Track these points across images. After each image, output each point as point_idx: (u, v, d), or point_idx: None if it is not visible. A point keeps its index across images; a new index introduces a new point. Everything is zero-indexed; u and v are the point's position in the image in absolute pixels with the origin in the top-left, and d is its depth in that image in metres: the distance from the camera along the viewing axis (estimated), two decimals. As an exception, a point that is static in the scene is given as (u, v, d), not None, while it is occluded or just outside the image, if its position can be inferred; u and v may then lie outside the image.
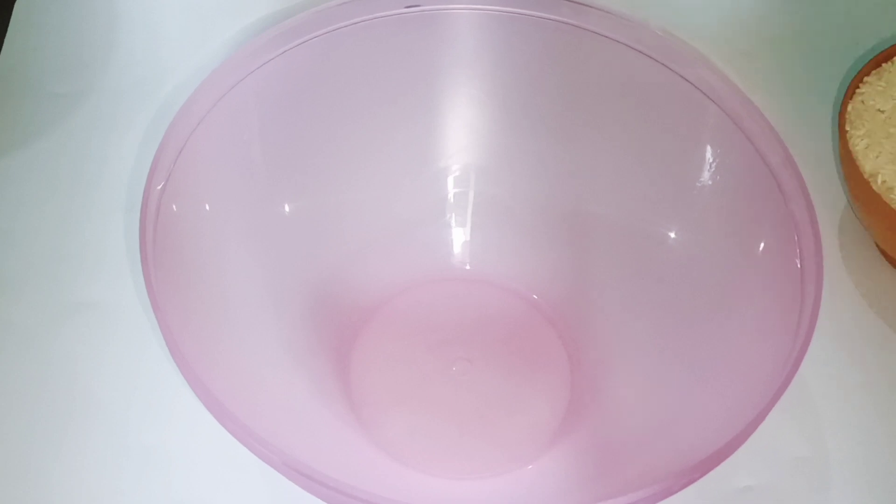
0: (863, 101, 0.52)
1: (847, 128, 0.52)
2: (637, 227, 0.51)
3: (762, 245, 0.46)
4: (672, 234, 0.50)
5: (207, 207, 0.48)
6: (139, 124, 0.56)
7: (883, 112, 0.51)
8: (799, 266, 0.44)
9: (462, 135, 0.54)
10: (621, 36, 0.49)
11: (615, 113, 0.51)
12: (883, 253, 0.53)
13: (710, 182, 0.49)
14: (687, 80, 0.48)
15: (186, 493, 0.46)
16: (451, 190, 0.54)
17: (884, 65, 0.54)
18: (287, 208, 0.51)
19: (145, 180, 0.44)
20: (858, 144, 0.51)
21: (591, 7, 0.50)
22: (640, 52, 0.49)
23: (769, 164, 0.46)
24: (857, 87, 0.53)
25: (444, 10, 0.51)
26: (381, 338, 0.51)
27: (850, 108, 0.52)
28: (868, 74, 0.53)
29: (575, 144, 0.52)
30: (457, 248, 0.54)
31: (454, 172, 0.54)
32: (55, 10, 0.60)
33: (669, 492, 0.39)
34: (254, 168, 0.50)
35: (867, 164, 0.50)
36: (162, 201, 0.44)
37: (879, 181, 0.50)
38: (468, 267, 0.54)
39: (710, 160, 0.49)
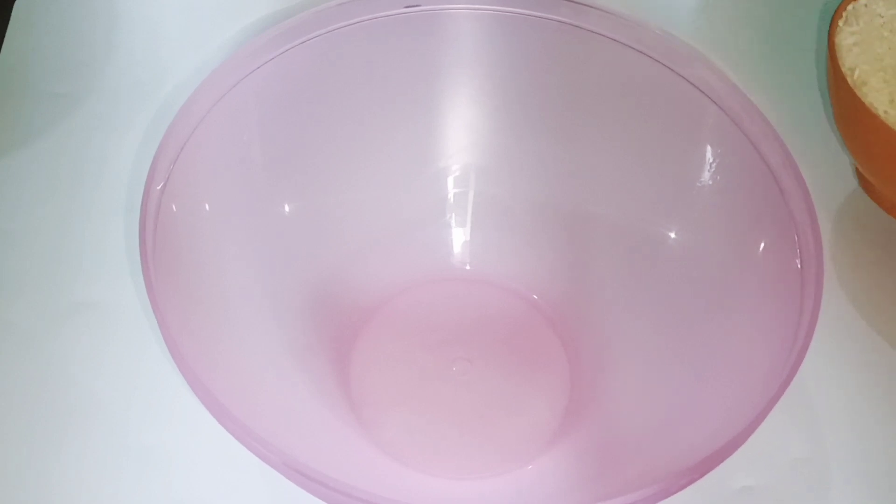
0: (866, 5, 0.52)
1: (840, 23, 0.51)
2: (637, 227, 0.51)
3: (762, 245, 0.46)
4: (672, 234, 0.50)
5: (207, 207, 0.48)
6: (139, 124, 0.56)
7: (882, 17, 0.51)
8: (799, 266, 0.44)
9: (462, 135, 0.54)
10: (621, 36, 0.49)
11: (615, 113, 0.51)
12: (861, 177, 0.53)
13: (710, 182, 0.49)
14: (687, 80, 0.48)
15: (186, 493, 0.46)
16: (451, 190, 0.54)
17: None
18: (287, 208, 0.51)
19: (145, 180, 0.44)
20: (847, 39, 0.51)
21: (591, 7, 0.50)
22: (640, 52, 0.49)
23: (769, 164, 0.46)
24: None
25: (444, 10, 0.51)
26: (381, 338, 0.51)
27: (850, 7, 0.52)
28: None
29: (575, 144, 0.52)
30: (457, 248, 0.54)
31: (454, 172, 0.54)
32: (55, 9, 0.60)
33: (669, 492, 0.39)
34: (254, 168, 0.50)
35: (848, 59, 0.50)
36: (162, 201, 0.44)
37: (856, 75, 0.50)
38: (468, 267, 0.54)
39: (710, 160, 0.49)
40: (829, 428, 0.49)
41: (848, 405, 0.49)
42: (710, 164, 0.49)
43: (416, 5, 0.50)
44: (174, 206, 0.45)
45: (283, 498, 0.46)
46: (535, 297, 0.53)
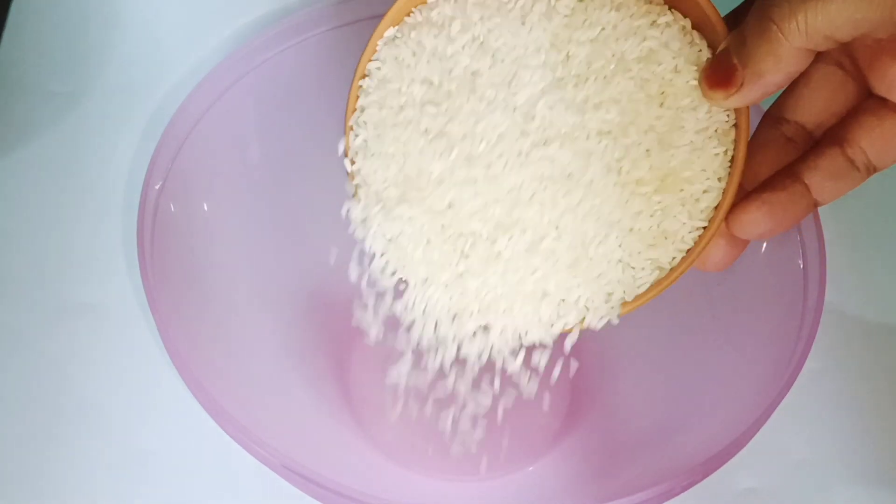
0: None
1: None
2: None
3: (764, 245, 0.46)
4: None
5: (206, 207, 0.47)
6: (137, 123, 0.56)
7: None
8: (801, 266, 0.44)
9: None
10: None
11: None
12: None
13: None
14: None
15: (185, 495, 0.46)
16: (451, 189, 0.54)
17: None
18: (286, 208, 0.51)
19: (143, 180, 0.44)
20: None
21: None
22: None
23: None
24: None
25: (444, 8, 0.50)
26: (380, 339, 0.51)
27: None
28: None
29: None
30: (457, 247, 0.54)
31: (454, 171, 0.53)
32: (53, 7, 0.60)
33: (671, 493, 0.39)
34: (252, 167, 0.50)
35: None
36: (160, 201, 0.44)
37: None
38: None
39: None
40: (831, 430, 0.48)
41: (850, 407, 0.49)
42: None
43: (416, 4, 0.50)
44: (172, 206, 0.45)
45: (282, 500, 0.45)
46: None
